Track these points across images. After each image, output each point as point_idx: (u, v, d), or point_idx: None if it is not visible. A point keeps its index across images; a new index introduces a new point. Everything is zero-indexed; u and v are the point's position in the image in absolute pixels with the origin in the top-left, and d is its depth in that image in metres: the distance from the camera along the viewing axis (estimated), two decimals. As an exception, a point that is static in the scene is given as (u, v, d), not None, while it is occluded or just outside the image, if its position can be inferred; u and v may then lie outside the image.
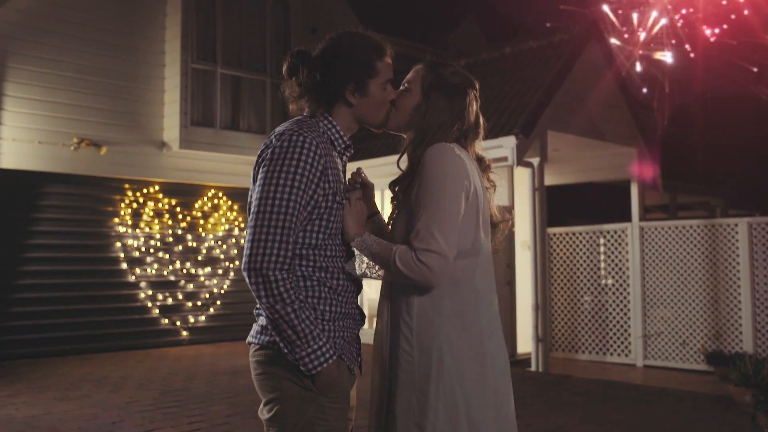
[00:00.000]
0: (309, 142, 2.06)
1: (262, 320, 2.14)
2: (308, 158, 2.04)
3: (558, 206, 11.33)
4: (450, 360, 2.09)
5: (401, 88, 2.32)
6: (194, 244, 10.97)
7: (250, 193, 2.14)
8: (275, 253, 1.96)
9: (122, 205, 10.26)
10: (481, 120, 2.35)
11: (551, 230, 9.63)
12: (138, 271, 10.33)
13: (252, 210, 2.04)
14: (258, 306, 2.19)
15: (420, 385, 2.10)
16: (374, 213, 2.45)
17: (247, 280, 2.00)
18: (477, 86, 2.34)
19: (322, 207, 2.10)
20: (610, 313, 9.25)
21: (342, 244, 2.22)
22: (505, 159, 8.28)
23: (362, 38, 2.25)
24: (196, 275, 10.95)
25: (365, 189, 2.37)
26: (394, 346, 2.18)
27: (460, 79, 2.30)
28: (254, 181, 2.12)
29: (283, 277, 1.97)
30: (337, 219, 2.16)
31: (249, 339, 2.19)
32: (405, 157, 2.30)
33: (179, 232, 10.83)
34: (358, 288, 2.27)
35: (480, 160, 2.33)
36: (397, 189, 2.28)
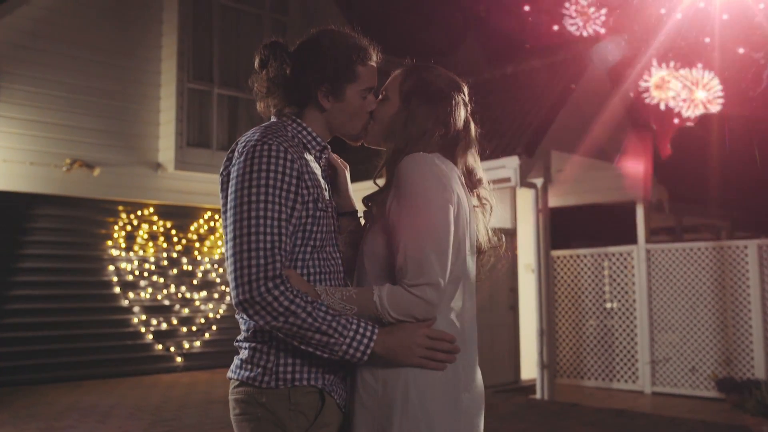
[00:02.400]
0: (276, 149, 1.84)
1: (243, 353, 1.92)
2: (278, 166, 1.82)
3: (562, 228, 11.10)
4: (416, 399, 1.83)
5: (379, 97, 2.08)
6: (189, 268, 10.73)
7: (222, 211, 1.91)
8: (262, 275, 1.72)
9: (116, 227, 10.03)
10: (473, 127, 2.08)
11: (555, 253, 9.40)
12: (131, 295, 10.07)
13: (227, 238, 1.80)
14: (239, 338, 1.96)
15: (381, 426, 1.84)
16: (352, 211, 2.20)
17: (245, 314, 1.76)
18: (465, 89, 2.08)
19: (302, 217, 1.88)
20: (617, 338, 8.98)
21: (331, 258, 1.98)
22: (507, 180, 8.08)
23: (345, 38, 2.03)
24: (192, 300, 10.69)
25: (335, 173, 2.15)
26: (355, 376, 1.92)
27: (443, 81, 2.03)
28: (223, 198, 1.90)
29: (281, 291, 1.73)
30: (321, 229, 1.93)
31: (228, 374, 1.97)
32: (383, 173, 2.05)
33: (174, 255, 10.59)
34: None
35: (470, 173, 2.05)
36: (371, 204, 2.03)
